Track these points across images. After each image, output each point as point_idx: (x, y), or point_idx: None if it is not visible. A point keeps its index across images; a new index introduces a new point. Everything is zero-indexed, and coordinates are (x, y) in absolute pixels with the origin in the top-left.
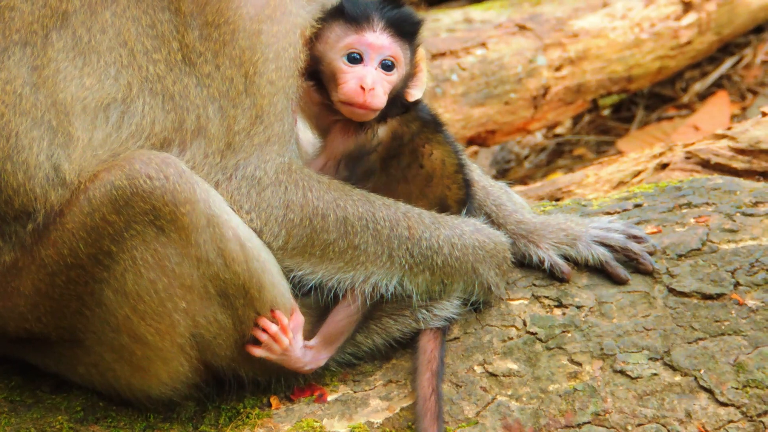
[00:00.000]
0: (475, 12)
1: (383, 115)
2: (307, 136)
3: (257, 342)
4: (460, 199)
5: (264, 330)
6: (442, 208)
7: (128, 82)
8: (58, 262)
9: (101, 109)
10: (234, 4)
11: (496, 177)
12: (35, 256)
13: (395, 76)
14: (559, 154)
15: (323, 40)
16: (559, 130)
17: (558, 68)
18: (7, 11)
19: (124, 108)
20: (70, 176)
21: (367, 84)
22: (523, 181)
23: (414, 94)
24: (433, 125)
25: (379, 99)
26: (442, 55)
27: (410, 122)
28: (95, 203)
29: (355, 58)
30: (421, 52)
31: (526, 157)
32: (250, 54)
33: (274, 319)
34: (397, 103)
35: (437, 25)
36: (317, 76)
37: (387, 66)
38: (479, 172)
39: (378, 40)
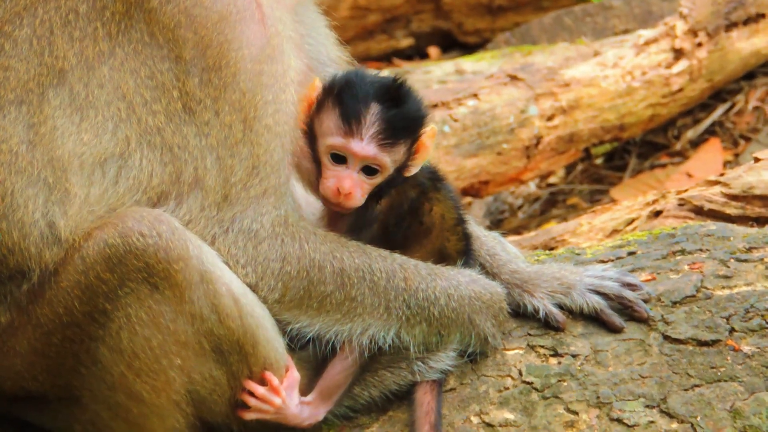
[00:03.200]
0: (467, 63)
1: (380, 193)
2: (300, 190)
3: (248, 405)
4: (460, 249)
5: (252, 393)
6: (441, 257)
7: (126, 136)
8: (53, 320)
9: (98, 165)
10: (235, 45)
11: (489, 227)
12: (31, 316)
13: (378, 179)
14: (552, 204)
15: (320, 118)
16: (552, 179)
17: (550, 118)
18: (1, 71)
19: (121, 162)
20: (65, 234)
21: (343, 189)
22: (517, 231)
23: (413, 169)
24: (432, 183)
25: (356, 201)
26: (434, 106)
27: (408, 190)
28: (89, 261)
29: (339, 158)
30: (430, 131)
31: (519, 207)
32: (251, 96)
33: (263, 380)
34: (395, 180)
35: (429, 77)
36: (312, 148)
37: (370, 170)
38: (473, 223)
39: (363, 150)
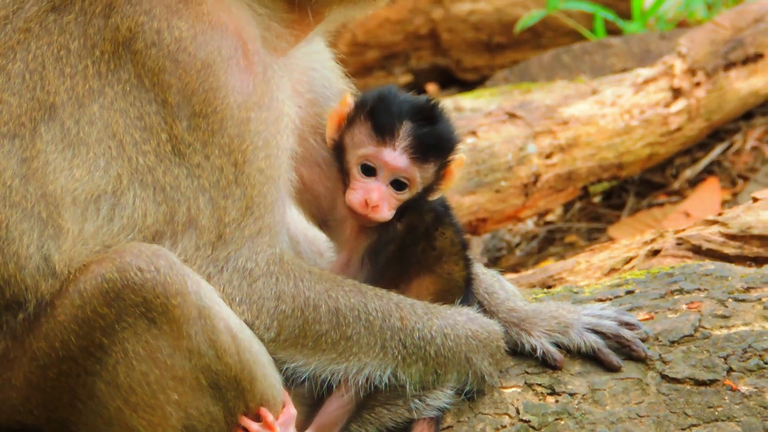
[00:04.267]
0: (465, 100)
1: (400, 213)
2: (298, 226)
3: None
4: (465, 276)
5: (247, 429)
6: (450, 283)
7: (118, 174)
8: (49, 354)
9: (91, 201)
10: (221, 93)
11: (487, 265)
12: (27, 349)
13: (406, 195)
14: (550, 242)
15: (351, 132)
16: (550, 217)
17: (548, 156)
18: None
19: (114, 200)
20: (60, 267)
21: (371, 201)
22: (514, 268)
23: (438, 193)
24: (444, 210)
25: (383, 214)
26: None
27: (425, 214)
28: (86, 296)
29: (369, 169)
30: (459, 159)
31: (517, 245)
32: (239, 142)
33: (258, 416)
34: (417, 203)
35: None
36: (341, 162)
37: (399, 184)
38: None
39: (395, 160)
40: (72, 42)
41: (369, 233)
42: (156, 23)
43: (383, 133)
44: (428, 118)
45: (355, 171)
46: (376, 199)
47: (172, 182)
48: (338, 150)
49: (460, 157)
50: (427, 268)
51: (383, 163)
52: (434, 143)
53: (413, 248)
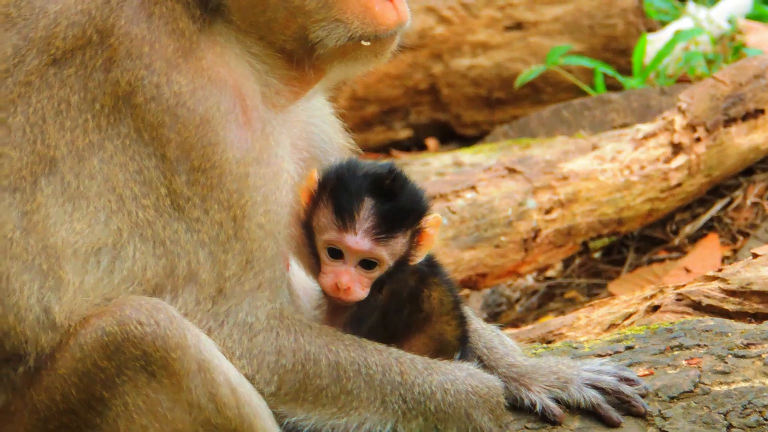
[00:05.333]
0: (465, 155)
1: (380, 283)
2: (298, 280)
3: None
4: (459, 335)
5: None
6: (442, 343)
7: (118, 228)
8: (50, 407)
9: (92, 254)
10: (219, 148)
11: (487, 320)
12: (27, 402)
13: (377, 272)
14: (550, 297)
15: (316, 214)
16: (550, 273)
17: (548, 211)
18: None
19: (114, 253)
20: (61, 319)
21: (342, 284)
22: (514, 324)
23: (417, 258)
24: (430, 270)
25: (356, 295)
26: (432, 198)
27: (408, 278)
28: (86, 349)
29: (336, 252)
30: (434, 220)
31: (517, 300)
32: (237, 197)
33: None
34: (397, 270)
35: (427, 168)
36: (311, 242)
37: (368, 263)
38: (471, 315)
39: (357, 244)
40: (72, 95)
41: (348, 306)
42: (156, 78)
43: (343, 217)
44: (389, 192)
45: (323, 255)
46: (346, 282)
47: (171, 236)
48: (307, 230)
49: (435, 217)
50: (417, 329)
51: (347, 247)
52: (397, 218)
53: (398, 314)
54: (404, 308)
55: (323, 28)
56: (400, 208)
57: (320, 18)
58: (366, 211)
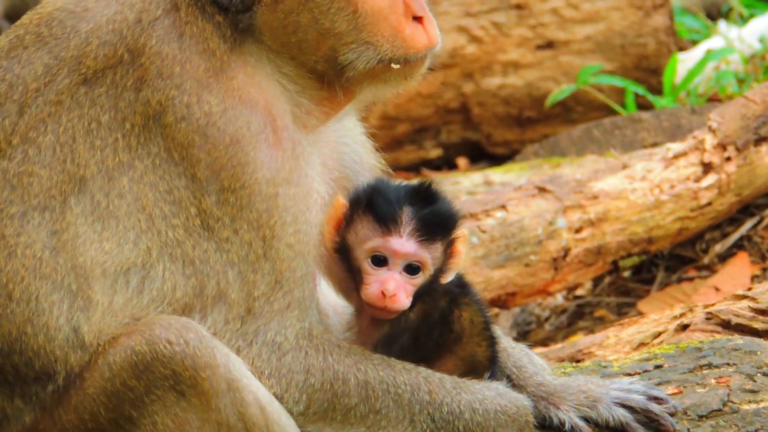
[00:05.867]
0: (495, 174)
1: (414, 301)
2: (328, 299)
3: None
4: (490, 356)
5: None
6: (473, 364)
7: (148, 247)
8: (79, 426)
9: (121, 274)
10: (249, 168)
11: (516, 339)
12: (56, 421)
13: (420, 279)
14: (579, 316)
15: (352, 230)
16: (579, 291)
17: (578, 230)
18: (25, 177)
19: (144, 273)
20: (90, 339)
21: (388, 291)
22: (543, 342)
23: (447, 276)
24: (460, 290)
25: (402, 303)
26: (462, 217)
27: (439, 299)
28: (115, 368)
29: (379, 260)
30: (462, 236)
31: (546, 319)
32: (267, 217)
33: None
34: (430, 287)
35: (457, 188)
36: (348, 261)
37: (413, 269)
38: (500, 334)
39: (403, 247)
40: (103, 115)
41: (381, 325)
42: (186, 97)
43: (386, 221)
44: (426, 199)
45: (366, 265)
46: (393, 288)
47: (201, 256)
48: (343, 251)
49: (463, 233)
50: (448, 350)
51: (392, 251)
52: (437, 222)
53: (429, 336)
54: (435, 330)
55: (353, 51)
56: (439, 212)
57: (350, 40)
58: (408, 215)
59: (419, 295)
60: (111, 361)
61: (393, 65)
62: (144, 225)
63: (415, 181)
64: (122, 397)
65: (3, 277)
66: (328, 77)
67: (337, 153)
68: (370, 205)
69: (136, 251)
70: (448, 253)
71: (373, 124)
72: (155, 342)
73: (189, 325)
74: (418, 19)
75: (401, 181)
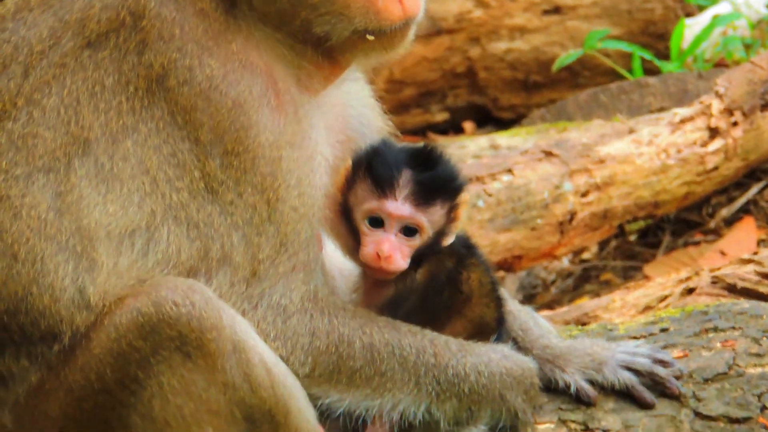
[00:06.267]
0: (502, 139)
1: (417, 262)
2: (334, 262)
3: None
4: (498, 317)
5: None
6: (481, 326)
7: (152, 210)
8: (85, 387)
9: (126, 236)
10: (252, 132)
11: (522, 302)
12: (62, 381)
13: (418, 241)
14: (585, 280)
15: (353, 191)
16: (585, 255)
17: (584, 194)
18: (30, 138)
19: (148, 235)
20: (95, 299)
21: (383, 252)
22: (549, 305)
23: (449, 238)
24: (467, 251)
25: (397, 264)
26: (469, 181)
27: (446, 260)
28: (122, 329)
29: (376, 222)
30: (463, 198)
31: (552, 283)
32: (271, 180)
33: None
34: (432, 249)
35: (464, 151)
36: (349, 222)
37: (409, 231)
38: (506, 297)
39: (398, 210)
40: (107, 78)
41: (386, 286)
42: (188, 60)
43: (383, 184)
44: (426, 163)
45: (363, 226)
46: (388, 250)
47: (205, 219)
48: (345, 212)
49: (465, 197)
50: (457, 312)
51: (388, 213)
52: (436, 186)
53: (437, 297)
54: (443, 291)
55: (327, 22)
56: (439, 176)
57: (324, 12)
58: (405, 179)
59: (423, 257)
60: (117, 322)
61: (368, 36)
62: (148, 188)
63: (418, 144)
64: (128, 358)
65: (8, 237)
66: (312, 46)
67: (343, 116)
68: (369, 167)
69: (141, 214)
70: (451, 217)
71: (380, 88)
72: (161, 303)
73: (195, 287)
74: None
75: (406, 144)
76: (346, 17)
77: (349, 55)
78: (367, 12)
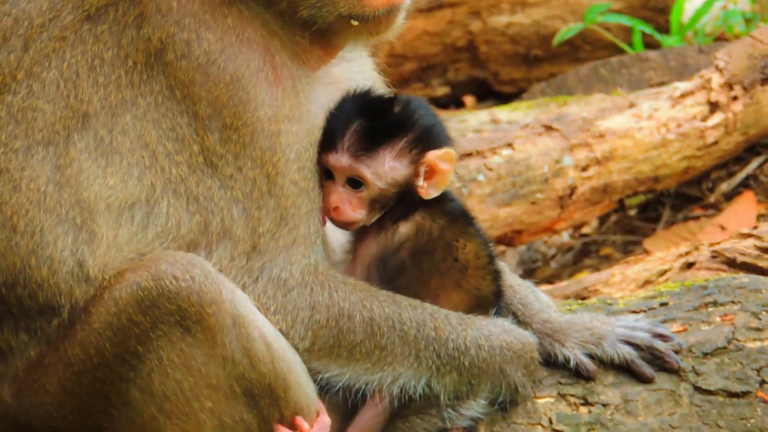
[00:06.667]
0: (502, 113)
1: (397, 214)
2: (334, 235)
3: None
4: (495, 290)
5: None
6: (479, 298)
7: (152, 183)
8: (84, 361)
9: (125, 209)
10: (251, 106)
11: (522, 276)
12: (61, 355)
13: (366, 193)
14: (585, 254)
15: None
16: (585, 230)
17: (584, 168)
18: (30, 111)
19: (148, 209)
20: (94, 272)
21: (329, 203)
22: (549, 280)
23: (430, 192)
24: (464, 219)
25: (347, 215)
26: (469, 155)
27: (436, 217)
28: (121, 304)
29: (328, 174)
30: (445, 155)
31: (552, 257)
32: (270, 154)
33: (293, 425)
34: (411, 201)
35: (464, 125)
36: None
37: (354, 183)
38: (506, 271)
39: (338, 161)
40: (106, 51)
41: (371, 241)
42: (186, 34)
43: (329, 137)
44: (377, 113)
45: (321, 179)
46: (334, 201)
47: (205, 193)
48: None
49: (447, 152)
50: (454, 282)
51: (331, 165)
52: (377, 136)
53: (430, 255)
54: (436, 250)
55: (312, 6)
56: (385, 127)
57: None
58: (349, 129)
59: (403, 212)
60: (117, 296)
61: (352, 22)
62: (147, 161)
63: (385, 94)
64: (128, 332)
65: (7, 209)
66: (300, 27)
67: (344, 88)
68: (325, 121)
69: (140, 187)
70: (419, 172)
71: (381, 62)
72: (161, 277)
73: (195, 261)
74: None
75: (377, 95)
76: (331, 2)
77: (338, 38)
78: None
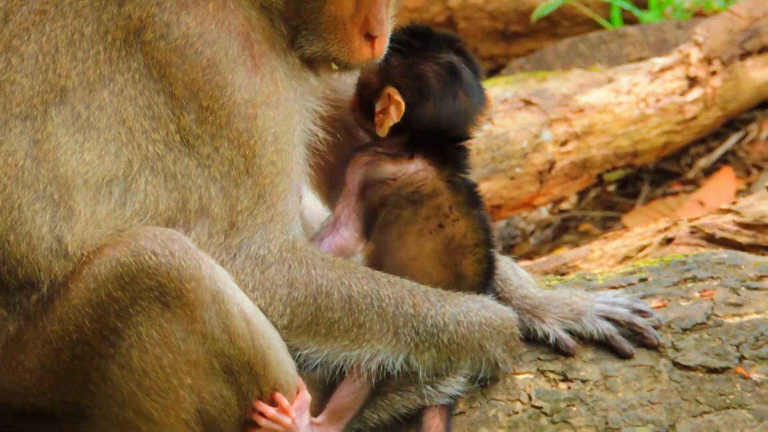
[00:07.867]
0: None
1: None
2: (314, 211)
3: (257, 425)
4: (478, 271)
5: (262, 413)
6: (457, 276)
7: (129, 160)
8: (63, 337)
9: (103, 185)
10: (227, 91)
11: (501, 252)
12: (40, 331)
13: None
14: (564, 230)
15: None
16: (564, 205)
17: (563, 143)
18: (8, 85)
19: (126, 185)
20: (73, 248)
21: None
22: (528, 256)
23: (379, 131)
24: (469, 197)
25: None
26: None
27: (436, 179)
28: (100, 279)
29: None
30: (391, 94)
31: (531, 233)
32: (247, 137)
33: (273, 401)
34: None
35: None
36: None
37: None
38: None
39: None
40: (86, 27)
41: (359, 167)
42: (166, 16)
43: None
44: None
45: None
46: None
47: (182, 171)
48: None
49: (389, 90)
50: (431, 248)
51: None
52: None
53: (413, 206)
54: (422, 205)
55: (308, 38)
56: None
57: (313, 27)
58: None
59: (386, 147)
60: (96, 272)
61: (333, 64)
62: (124, 138)
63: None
64: (107, 308)
65: None
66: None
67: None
68: None
69: (117, 163)
70: (381, 93)
71: None
72: (140, 253)
73: (174, 237)
74: (371, 37)
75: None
76: (325, 42)
77: (315, 64)
78: (343, 46)
